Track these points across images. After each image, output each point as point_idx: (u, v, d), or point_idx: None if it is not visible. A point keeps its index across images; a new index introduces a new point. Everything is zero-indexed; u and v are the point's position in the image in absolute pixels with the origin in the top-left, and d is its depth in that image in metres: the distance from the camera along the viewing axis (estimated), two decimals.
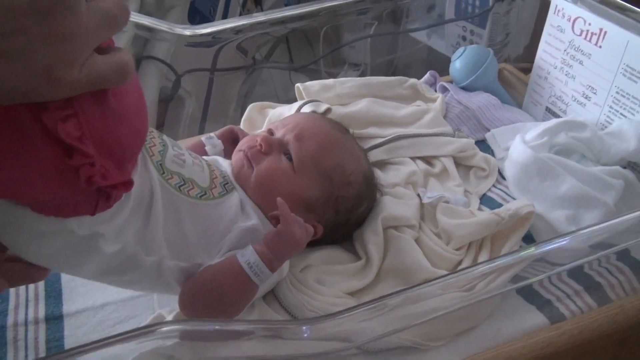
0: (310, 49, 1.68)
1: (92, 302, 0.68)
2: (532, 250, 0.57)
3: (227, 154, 0.73)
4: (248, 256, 0.56)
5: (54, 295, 0.69)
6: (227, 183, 0.62)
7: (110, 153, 0.43)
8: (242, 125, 0.88)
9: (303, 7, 0.98)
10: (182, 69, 1.33)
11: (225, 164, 0.67)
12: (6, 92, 0.36)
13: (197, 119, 1.48)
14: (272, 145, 0.66)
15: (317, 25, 1.45)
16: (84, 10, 0.37)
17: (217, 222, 0.58)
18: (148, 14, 1.23)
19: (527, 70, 1.07)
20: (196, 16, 1.44)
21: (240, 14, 1.57)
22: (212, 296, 0.55)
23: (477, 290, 0.61)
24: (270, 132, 0.70)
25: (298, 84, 0.91)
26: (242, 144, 0.68)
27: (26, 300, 0.68)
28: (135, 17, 0.84)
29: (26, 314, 0.67)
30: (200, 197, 0.57)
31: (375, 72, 1.54)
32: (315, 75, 1.62)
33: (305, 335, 0.46)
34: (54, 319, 0.66)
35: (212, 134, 0.75)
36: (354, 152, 0.72)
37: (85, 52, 0.38)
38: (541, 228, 0.73)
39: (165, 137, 0.59)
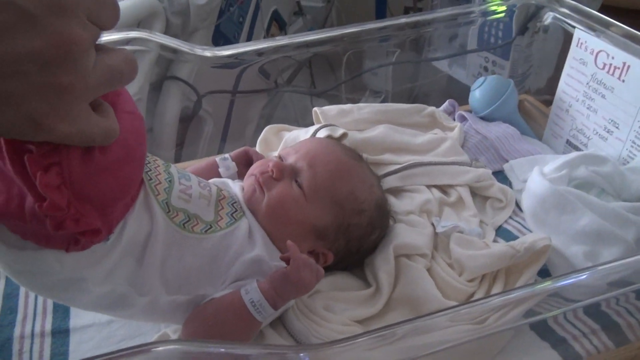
0: (333, 75, 1.70)
1: (99, 318, 0.68)
2: (547, 284, 0.55)
3: (241, 176, 0.74)
4: (252, 294, 0.55)
5: (62, 309, 0.69)
6: (236, 211, 0.62)
7: (90, 200, 0.43)
8: (257, 146, 0.88)
9: (326, 32, 0.99)
10: (204, 89, 1.34)
11: (235, 188, 0.67)
12: None
13: (216, 139, 1.50)
14: (283, 171, 0.66)
15: (339, 50, 1.46)
16: (90, 67, 0.37)
17: (223, 253, 0.58)
18: (174, 36, 1.26)
19: (549, 103, 1.05)
20: (220, 40, 1.46)
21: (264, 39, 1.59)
22: (214, 332, 0.55)
23: (488, 323, 0.59)
24: (281, 158, 0.70)
25: (316, 108, 0.91)
26: (254, 169, 0.68)
27: (34, 313, 0.69)
28: (157, 38, 0.86)
29: (33, 327, 0.67)
30: (206, 231, 0.57)
31: (395, 100, 1.52)
32: (336, 101, 1.60)
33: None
34: (60, 333, 0.66)
35: (226, 155, 0.75)
36: (367, 179, 0.71)
37: (79, 106, 0.37)
38: (558, 263, 0.71)
39: (172, 168, 0.59)
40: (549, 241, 0.68)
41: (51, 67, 0.35)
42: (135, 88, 1.16)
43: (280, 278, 0.56)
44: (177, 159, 1.32)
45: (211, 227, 0.58)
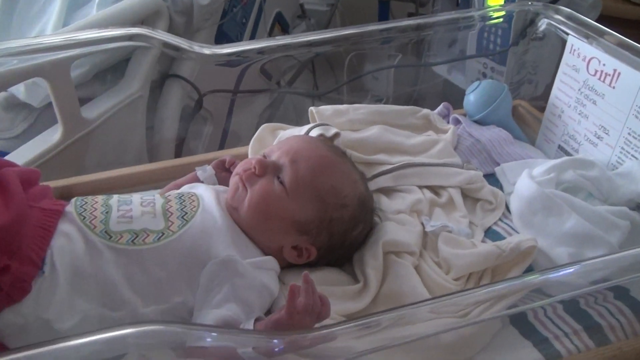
0: (334, 78, 1.70)
1: None
2: (529, 278, 0.56)
3: (221, 180, 0.77)
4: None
5: None
6: (186, 214, 0.64)
7: None
8: (251, 144, 0.89)
9: (328, 33, 1.00)
10: (205, 89, 1.36)
11: (200, 188, 0.70)
12: None
13: (216, 140, 1.51)
14: (266, 167, 0.68)
15: (342, 51, 1.47)
16: None
17: (189, 256, 0.60)
18: (177, 35, 1.26)
19: (545, 109, 1.06)
20: (223, 40, 1.46)
21: None
22: None
23: (471, 317, 0.60)
24: (264, 156, 0.71)
25: (312, 108, 0.93)
26: (239, 168, 0.70)
27: None
28: (159, 35, 0.87)
29: None
30: (159, 239, 0.60)
31: (395, 104, 1.56)
32: (337, 103, 1.62)
33: (277, 350, 0.46)
34: None
35: (205, 165, 0.79)
36: (350, 174, 0.72)
37: None
38: (543, 264, 0.72)
39: (113, 199, 0.64)
40: (535, 242, 0.69)
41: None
42: (137, 85, 1.17)
43: (278, 326, 0.54)
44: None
45: (163, 233, 0.61)
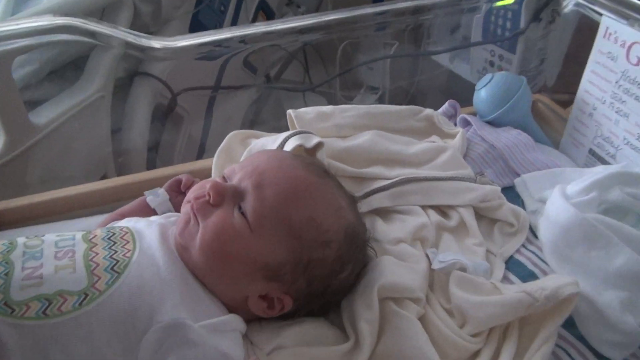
0: (325, 70, 1.62)
1: None
2: None
3: (178, 208, 0.64)
4: None
5: None
6: (117, 262, 0.51)
7: None
8: (216, 157, 0.74)
9: (316, 17, 0.87)
10: (181, 86, 1.26)
11: (148, 229, 0.56)
12: None
13: (196, 142, 1.41)
14: (223, 194, 0.53)
15: (334, 40, 1.38)
16: None
17: (122, 317, 0.48)
18: (143, 26, 1.16)
19: (565, 103, 0.93)
20: (199, 31, 1.37)
21: None
22: None
23: None
24: (224, 178, 0.57)
25: (290, 111, 0.78)
26: (190, 194, 0.56)
27: None
28: (90, 25, 0.72)
29: None
30: (80, 304, 0.48)
31: (393, 97, 1.47)
32: (329, 97, 1.56)
33: None
34: None
35: (157, 188, 0.68)
36: (333, 201, 0.57)
37: None
38: (586, 313, 0.57)
39: (15, 253, 0.50)
40: (577, 288, 0.53)
41: None
42: (97, 85, 1.07)
43: None
44: (151, 164, 1.25)
45: (87, 294, 0.48)
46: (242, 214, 0.53)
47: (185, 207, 0.55)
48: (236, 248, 0.52)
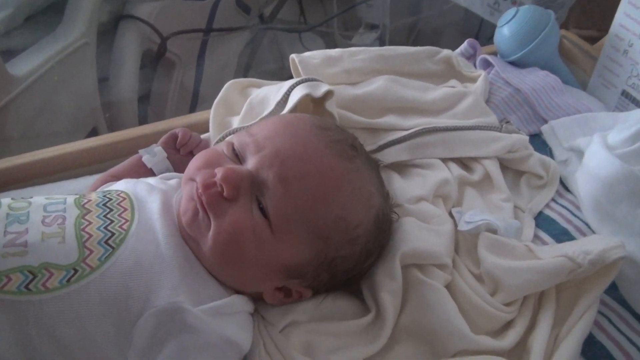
0: (323, 9, 1.54)
1: None
2: None
3: (177, 166, 0.61)
4: None
5: None
6: (113, 235, 0.46)
7: None
8: (213, 109, 0.67)
9: None
10: (170, 29, 1.21)
11: (151, 197, 0.50)
12: None
13: (189, 89, 1.36)
14: (238, 187, 0.46)
15: None
16: None
17: (115, 299, 0.44)
18: None
19: (593, 40, 0.85)
20: None
21: None
22: None
23: None
24: (234, 150, 0.50)
25: (293, 55, 0.70)
26: (194, 171, 0.49)
27: None
28: None
29: None
30: (69, 280, 0.43)
31: (395, 36, 1.39)
32: (327, 37, 1.49)
33: None
34: None
35: (153, 145, 0.62)
36: (364, 190, 0.50)
37: None
38: (630, 275, 0.52)
39: (2, 209, 0.46)
40: (624, 251, 0.48)
41: None
42: (80, 30, 1.02)
43: None
44: (143, 117, 1.20)
45: (76, 270, 0.43)
46: (262, 210, 0.46)
47: (190, 191, 0.48)
48: (254, 252, 0.47)
